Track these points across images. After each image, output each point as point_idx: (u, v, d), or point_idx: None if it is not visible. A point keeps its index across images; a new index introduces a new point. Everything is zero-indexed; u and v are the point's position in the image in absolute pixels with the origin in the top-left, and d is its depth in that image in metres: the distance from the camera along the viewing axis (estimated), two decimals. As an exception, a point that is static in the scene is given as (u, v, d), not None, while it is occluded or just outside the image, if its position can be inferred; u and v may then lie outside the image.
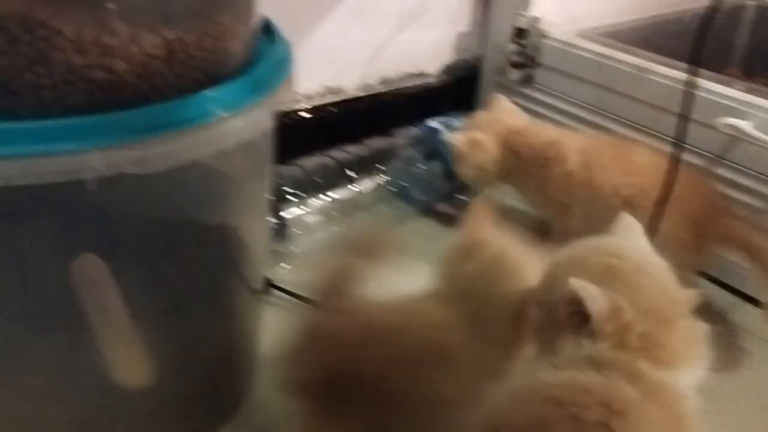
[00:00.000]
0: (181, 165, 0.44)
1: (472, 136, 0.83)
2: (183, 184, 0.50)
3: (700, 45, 0.67)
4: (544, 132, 0.83)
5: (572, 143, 0.79)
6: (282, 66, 0.52)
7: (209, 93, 0.45)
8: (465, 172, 0.84)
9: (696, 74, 0.67)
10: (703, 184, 0.77)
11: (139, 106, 0.42)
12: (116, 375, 0.53)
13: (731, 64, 1.26)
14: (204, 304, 0.57)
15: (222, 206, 0.56)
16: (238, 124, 0.46)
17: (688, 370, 0.47)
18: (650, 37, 0.91)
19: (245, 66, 0.51)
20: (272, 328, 0.69)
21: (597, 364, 0.44)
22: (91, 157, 0.39)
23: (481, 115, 0.86)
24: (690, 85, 0.67)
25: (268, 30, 0.57)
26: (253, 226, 0.62)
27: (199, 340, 0.59)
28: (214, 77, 0.47)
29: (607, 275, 0.47)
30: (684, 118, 0.67)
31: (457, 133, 0.85)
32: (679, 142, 0.67)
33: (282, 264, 0.81)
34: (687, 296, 0.48)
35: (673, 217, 0.69)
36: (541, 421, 0.41)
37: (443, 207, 0.94)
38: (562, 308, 0.46)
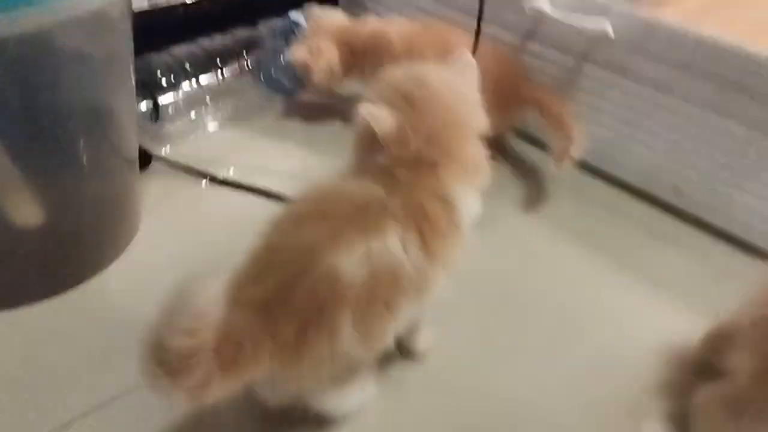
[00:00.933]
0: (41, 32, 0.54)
1: (313, 45, 0.93)
2: (42, 57, 0.59)
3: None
4: (369, 24, 0.94)
5: (395, 30, 0.91)
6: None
7: None
8: (316, 79, 0.93)
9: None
10: (505, 55, 0.91)
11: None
12: (12, 215, 0.65)
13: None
14: (79, 167, 0.68)
15: (85, 82, 0.65)
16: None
17: (466, 191, 0.57)
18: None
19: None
20: (156, 191, 0.83)
21: (384, 176, 0.54)
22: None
23: (310, 25, 0.96)
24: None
25: None
26: (120, 102, 0.71)
27: (79, 194, 0.70)
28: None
29: (404, 99, 0.54)
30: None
31: (297, 48, 0.94)
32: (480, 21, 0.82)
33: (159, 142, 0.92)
34: (476, 125, 0.57)
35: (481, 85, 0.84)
36: (307, 213, 0.53)
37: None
38: (364, 129, 0.54)
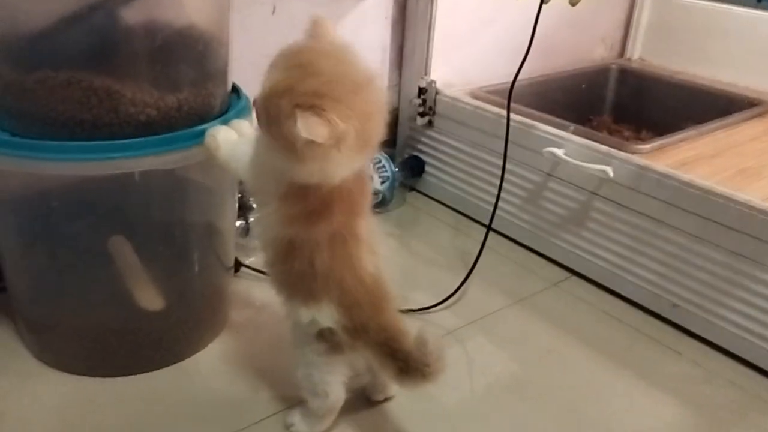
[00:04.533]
0: (180, 171, 0.78)
1: None
2: (178, 187, 0.83)
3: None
4: None
5: None
6: (244, 112, 0.87)
7: (199, 128, 0.78)
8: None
9: (531, 117, 1.05)
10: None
11: (161, 134, 0.77)
12: (140, 302, 0.86)
13: (603, 112, 1.65)
14: (193, 269, 0.91)
15: (204, 206, 0.89)
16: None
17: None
18: (517, 94, 1.25)
19: (221, 112, 0.85)
20: (240, 291, 1.04)
21: None
22: (141, 161, 0.74)
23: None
24: (524, 124, 1.05)
25: (236, 90, 0.92)
26: (225, 222, 0.95)
27: (191, 290, 0.92)
28: (203, 119, 0.81)
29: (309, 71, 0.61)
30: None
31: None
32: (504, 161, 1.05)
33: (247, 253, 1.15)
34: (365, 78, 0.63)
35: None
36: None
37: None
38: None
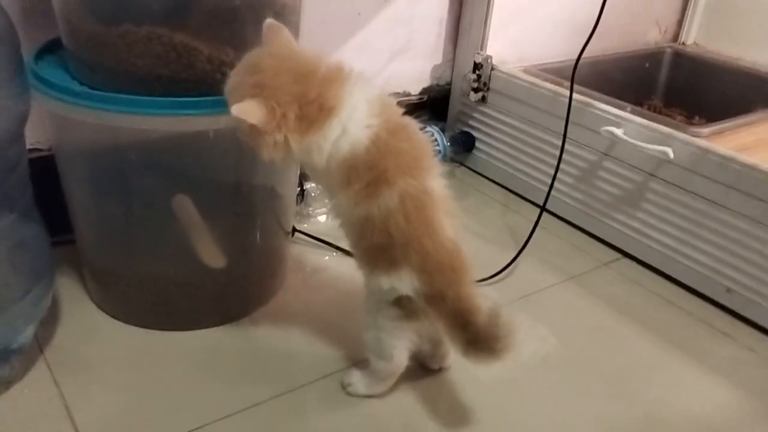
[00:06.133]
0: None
1: None
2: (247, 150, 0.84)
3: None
4: None
5: None
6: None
7: None
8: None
9: (590, 96, 1.04)
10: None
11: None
12: (202, 258, 0.88)
13: (654, 97, 1.63)
14: (255, 231, 0.92)
15: (268, 170, 0.89)
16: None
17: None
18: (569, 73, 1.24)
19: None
20: (296, 255, 1.06)
21: None
22: (217, 119, 0.75)
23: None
24: (581, 102, 1.04)
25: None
26: (287, 187, 0.96)
27: (252, 250, 0.93)
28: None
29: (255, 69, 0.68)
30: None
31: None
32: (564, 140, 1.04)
33: (301, 219, 1.17)
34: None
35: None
36: None
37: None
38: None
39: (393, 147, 0.69)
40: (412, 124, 0.74)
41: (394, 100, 0.75)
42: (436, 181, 0.72)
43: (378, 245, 0.70)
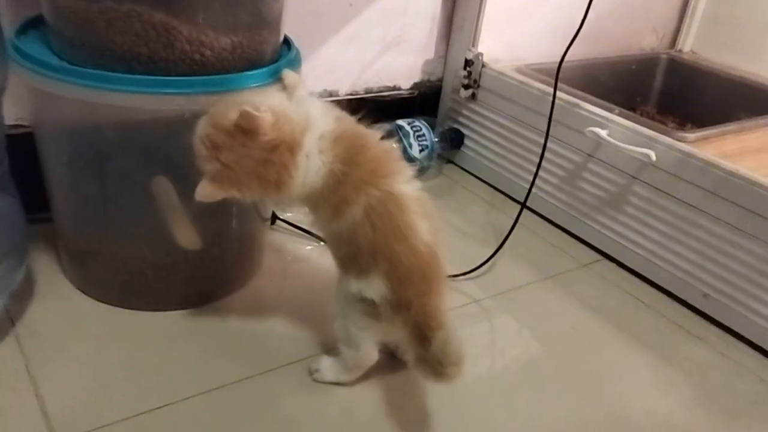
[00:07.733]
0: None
1: None
2: None
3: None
4: None
5: None
6: (293, 63, 0.87)
7: (250, 73, 0.80)
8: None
9: (577, 97, 1.04)
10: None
11: (214, 75, 0.78)
12: (178, 240, 0.88)
13: (648, 102, 1.63)
14: (231, 215, 0.92)
15: None
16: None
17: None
18: (563, 75, 1.24)
19: (272, 61, 0.86)
20: (275, 242, 1.07)
21: None
22: (193, 99, 0.75)
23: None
24: (569, 103, 1.04)
25: (287, 42, 0.93)
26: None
27: (228, 234, 0.93)
28: (254, 65, 0.82)
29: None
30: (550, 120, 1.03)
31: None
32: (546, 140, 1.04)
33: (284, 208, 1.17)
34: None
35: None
36: None
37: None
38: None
39: (350, 168, 0.70)
40: (370, 134, 0.74)
41: (348, 118, 0.75)
42: (407, 185, 0.72)
43: (349, 254, 0.71)
